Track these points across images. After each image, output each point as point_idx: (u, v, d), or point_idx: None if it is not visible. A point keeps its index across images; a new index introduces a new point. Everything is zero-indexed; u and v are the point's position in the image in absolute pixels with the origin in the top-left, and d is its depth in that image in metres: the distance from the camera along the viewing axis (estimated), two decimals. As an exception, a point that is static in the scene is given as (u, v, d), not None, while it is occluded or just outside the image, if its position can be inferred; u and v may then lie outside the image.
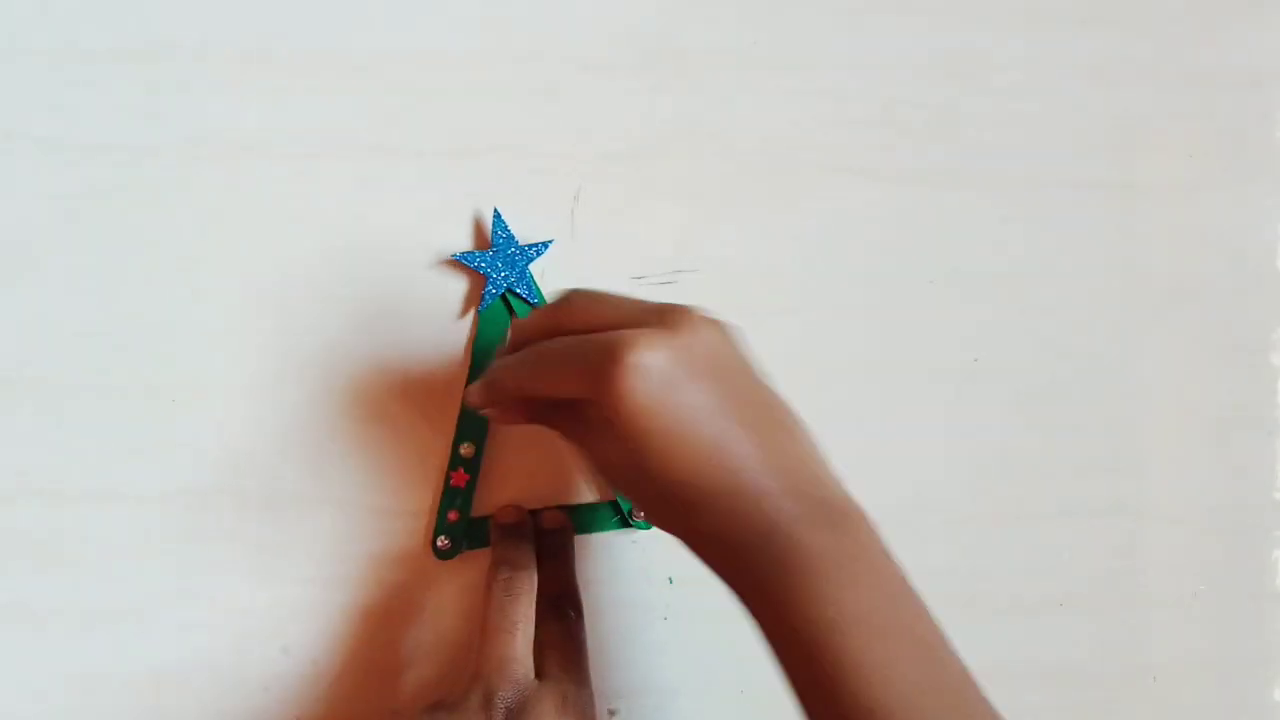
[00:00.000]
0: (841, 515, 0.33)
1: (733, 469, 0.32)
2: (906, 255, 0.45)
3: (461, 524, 0.43)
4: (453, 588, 0.43)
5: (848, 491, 0.34)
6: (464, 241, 0.44)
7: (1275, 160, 0.47)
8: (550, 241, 0.43)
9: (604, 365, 0.31)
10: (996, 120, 0.46)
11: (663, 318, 0.32)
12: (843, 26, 0.46)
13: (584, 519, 0.43)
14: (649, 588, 0.44)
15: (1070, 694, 0.45)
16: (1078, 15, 0.47)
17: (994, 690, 0.45)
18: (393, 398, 0.43)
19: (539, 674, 0.38)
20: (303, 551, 0.43)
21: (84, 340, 0.43)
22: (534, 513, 0.43)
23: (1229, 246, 0.47)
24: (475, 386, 0.37)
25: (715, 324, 0.33)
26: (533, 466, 0.43)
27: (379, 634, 0.43)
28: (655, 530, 0.44)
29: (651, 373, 0.31)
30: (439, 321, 0.43)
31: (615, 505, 0.43)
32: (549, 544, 0.42)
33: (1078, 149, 0.46)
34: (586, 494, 0.44)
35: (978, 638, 0.44)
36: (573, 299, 0.35)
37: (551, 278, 0.44)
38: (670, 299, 0.44)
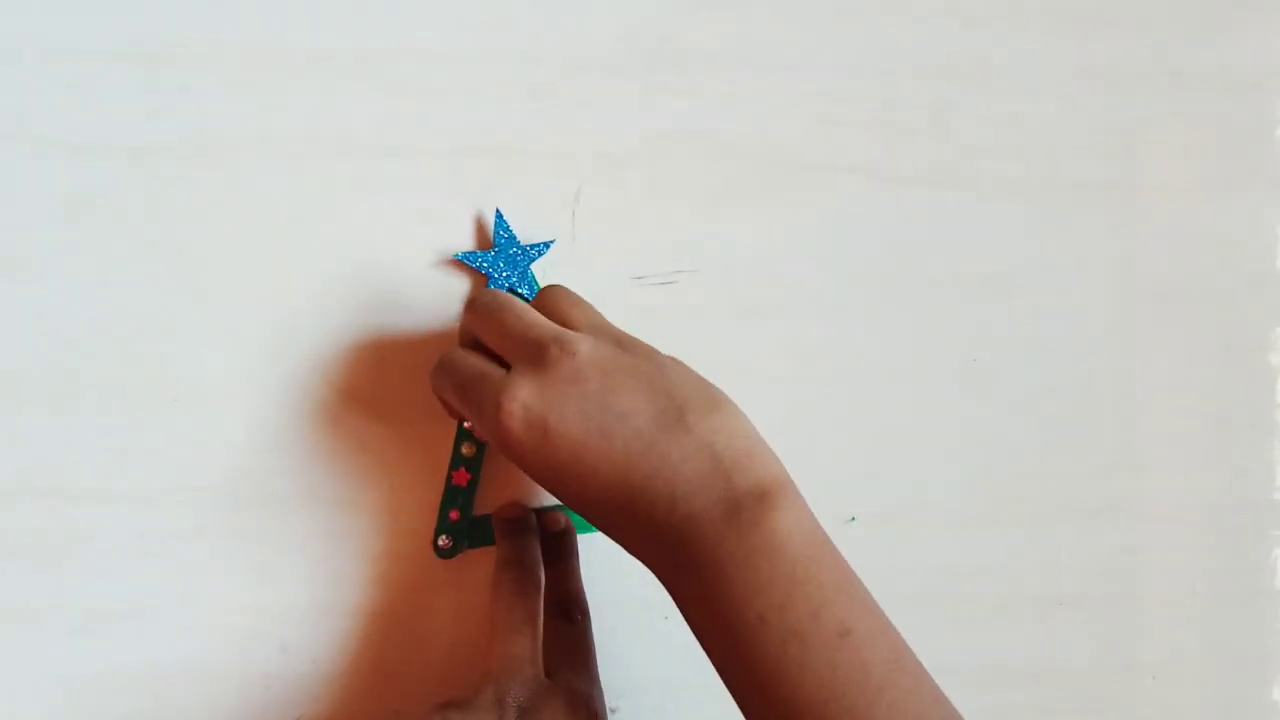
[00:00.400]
0: (757, 502, 0.33)
1: (633, 478, 0.33)
2: (906, 255, 0.45)
3: (463, 523, 0.43)
4: (455, 587, 0.43)
5: (766, 463, 0.34)
6: (465, 242, 0.44)
7: (1275, 160, 0.47)
8: (552, 242, 0.43)
9: (488, 418, 0.34)
10: (996, 120, 0.46)
11: (537, 355, 0.34)
12: (843, 26, 0.46)
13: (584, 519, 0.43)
14: (649, 587, 0.44)
15: (1069, 693, 0.45)
16: (1077, 15, 0.47)
17: (993, 689, 0.45)
18: (394, 397, 0.43)
19: (548, 674, 0.38)
20: (303, 551, 0.43)
21: (84, 340, 0.42)
22: (535, 513, 0.43)
23: (1229, 246, 0.47)
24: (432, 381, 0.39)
25: (594, 339, 0.35)
26: (533, 466, 0.43)
27: (380, 633, 0.43)
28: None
29: (530, 421, 0.34)
30: (441, 321, 0.43)
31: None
32: (554, 547, 0.42)
33: (1078, 149, 0.46)
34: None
35: (977, 637, 0.45)
36: (479, 307, 0.38)
37: (553, 278, 0.44)
38: (670, 299, 0.44)
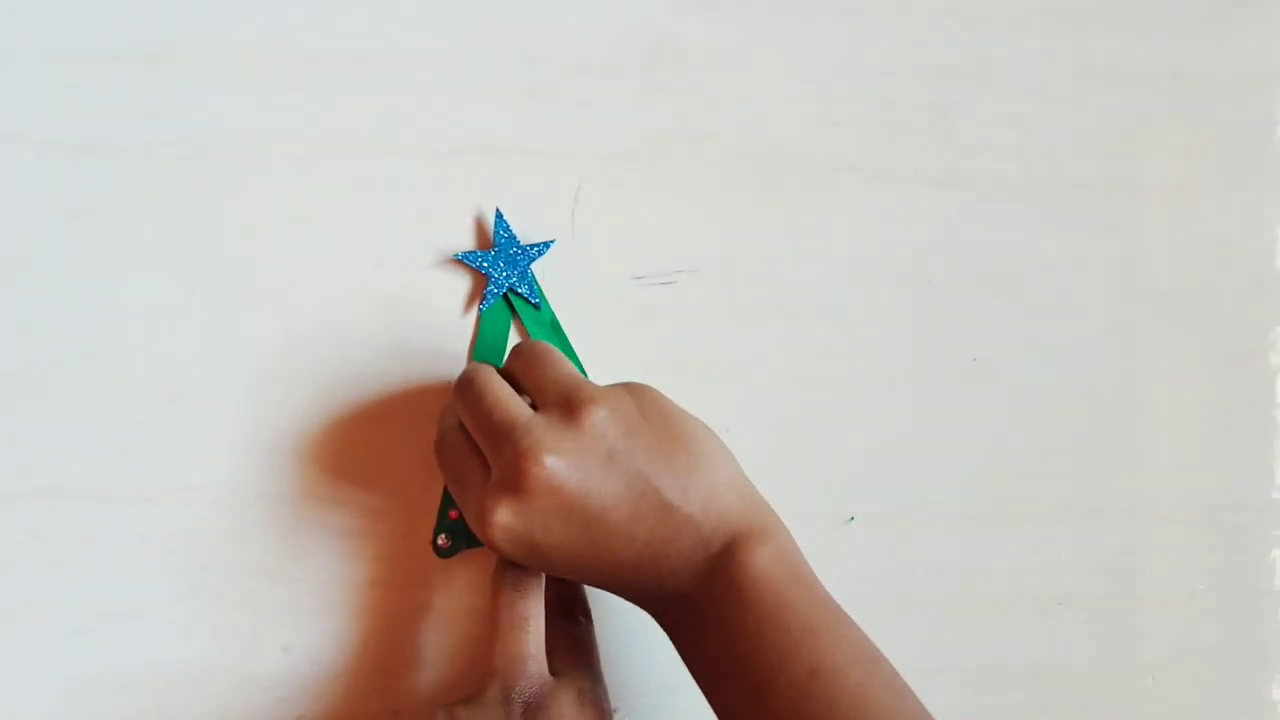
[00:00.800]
0: (726, 561, 0.34)
1: (616, 572, 0.35)
2: (906, 255, 0.45)
3: (462, 523, 0.43)
4: (454, 586, 0.43)
5: (743, 517, 0.35)
6: (465, 241, 0.44)
7: (1275, 160, 0.47)
8: (552, 241, 0.43)
9: (479, 530, 0.36)
10: (996, 120, 0.46)
11: (510, 466, 0.35)
12: (843, 26, 0.46)
13: None
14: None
15: (1069, 693, 0.45)
16: (1077, 15, 0.47)
17: (993, 689, 0.45)
18: (394, 396, 0.43)
19: (552, 674, 0.38)
20: (302, 551, 0.42)
21: (84, 340, 0.42)
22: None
23: (1229, 246, 0.47)
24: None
25: (562, 436, 0.35)
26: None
27: (380, 633, 0.43)
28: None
29: (514, 536, 0.35)
30: (441, 321, 0.43)
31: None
32: None
33: (1078, 149, 0.46)
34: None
35: (977, 637, 0.45)
36: (459, 386, 0.38)
37: (553, 277, 0.44)
38: (670, 299, 0.44)
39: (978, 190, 0.46)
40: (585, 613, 0.41)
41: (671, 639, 0.36)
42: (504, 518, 0.35)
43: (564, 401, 0.36)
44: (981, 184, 0.46)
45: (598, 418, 0.35)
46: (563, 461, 0.34)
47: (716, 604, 0.34)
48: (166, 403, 0.43)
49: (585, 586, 0.42)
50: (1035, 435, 0.45)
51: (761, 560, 0.34)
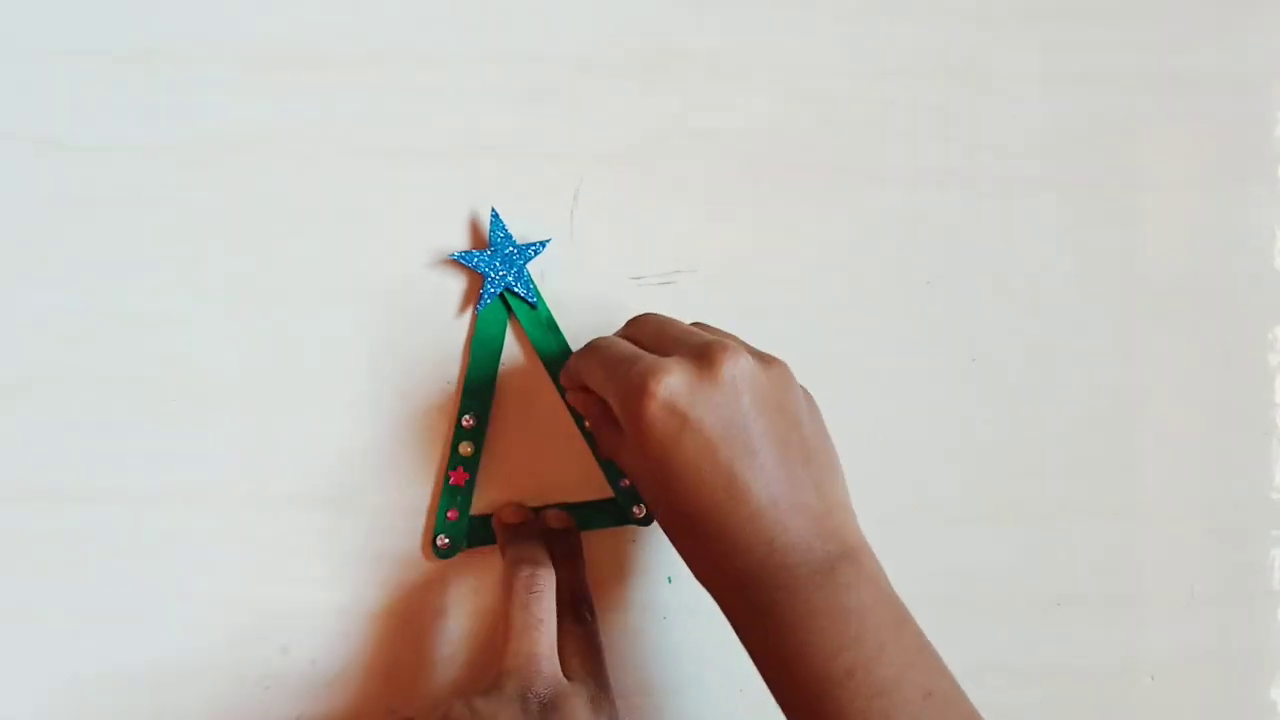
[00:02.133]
0: (849, 564, 0.34)
1: (741, 510, 0.34)
2: (906, 255, 0.45)
3: (461, 523, 0.43)
4: (453, 586, 0.43)
5: (859, 536, 0.35)
6: (462, 241, 0.44)
7: (1274, 160, 0.47)
8: (548, 241, 0.43)
9: (633, 390, 0.34)
10: (996, 120, 0.46)
11: (702, 351, 0.34)
12: (842, 27, 0.46)
13: (583, 517, 0.43)
14: (649, 587, 0.44)
15: (1069, 693, 0.45)
16: (1077, 15, 0.47)
17: (993, 690, 0.45)
18: (391, 396, 0.43)
19: (564, 674, 0.38)
20: (302, 551, 0.43)
21: (84, 340, 0.43)
22: (535, 510, 0.43)
23: (1229, 246, 0.47)
24: (565, 366, 0.41)
25: (757, 362, 0.35)
26: (531, 465, 0.44)
27: (379, 633, 0.43)
28: (655, 528, 0.44)
29: (675, 406, 0.33)
30: (437, 320, 0.43)
31: (614, 503, 0.44)
32: (560, 545, 0.42)
33: (1078, 149, 0.46)
34: (584, 492, 0.44)
35: (977, 637, 0.45)
36: (646, 320, 0.39)
37: (551, 277, 0.44)
38: (669, 299, 0.44)
39: (978, 190, 0.46)
40: (591, 610, 0.41)
41: (740, 617, 0.35)
42: (678, 381, 0.33)
43: (754, 351, 0.36)
44: (981, 184, 0.46)
45: (787, 374, 0.36)
46: (752, 379, 0.34)
47: (831, 602, 0.33)
48: (166, 403, 0.43)
49: (588, 585, 0.42)
50: (1035, 435, 0.45)
51: (881, 579, 0.34)
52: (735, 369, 0.34)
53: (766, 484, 0.34)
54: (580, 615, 0.40)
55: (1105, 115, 0.46)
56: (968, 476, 0.45)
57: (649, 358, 0.35)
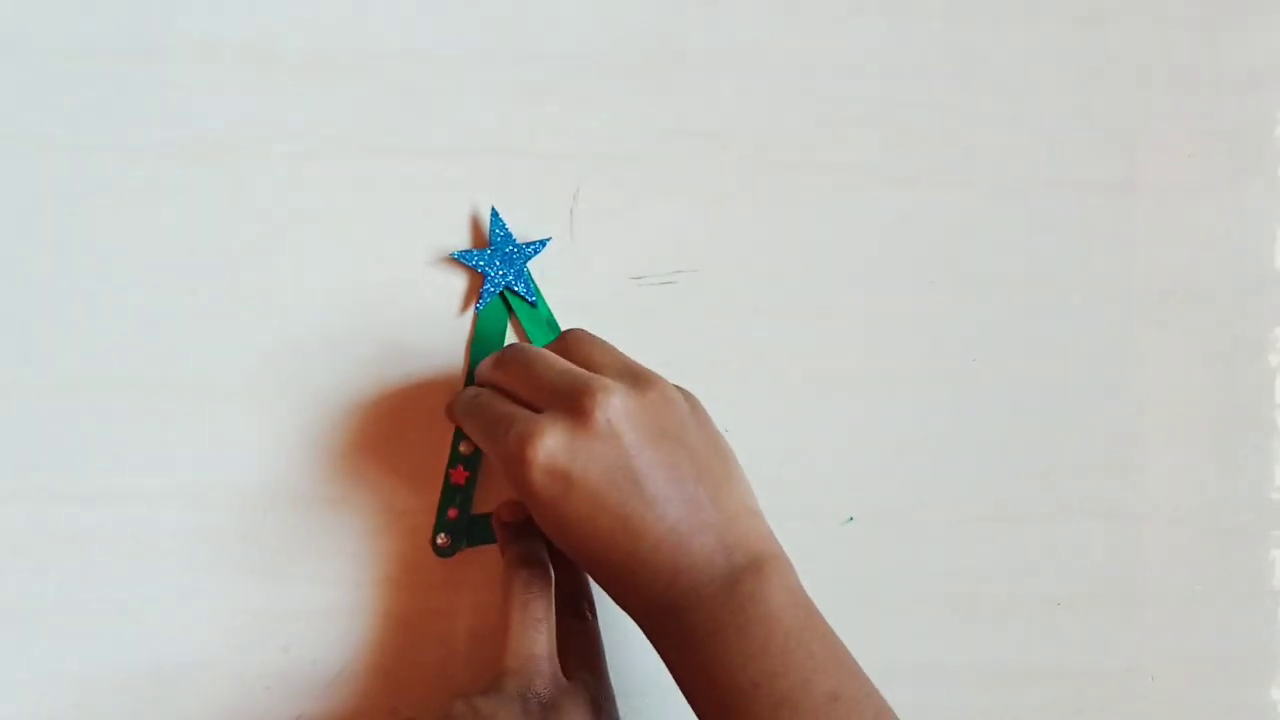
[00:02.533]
0: (753, 575, 0.34)
1: (642, 545, 0.34)
2: (906, 255, 0.45)
3: (461, 521, 0.43)
4: (453, 585, 0.43)
5: (767, 541, 0.35)
6: (462, 240, 0.44)
7: (1275, 160, 0.47)
8: (547, 240, 0.43)
9: (512, 458, 0.34)
10: (996, 120, 0.46)
11: (573, 403, 0.34)
12: (843, 26, 0.46)
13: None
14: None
15: (1069, 694, 0.45)
16: (1077, 15, 0.47)
17: (993, 690, 0.45)
18: (392, 395, 0.43)
19: (564, 673, 0.38)
20: (303, 550, 0.43)
21: (84, 340, 0.43)
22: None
23: (1229, 246, 0.47)
24: (448, 404, 0.41)
25: (630, 392, 0.35)
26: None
27: (379, 633, 0.43)
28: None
29: (555, 468, 0.34)
30: (438, 319, 0.43)
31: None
32: None
33: (1078, 149, 0.46)
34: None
35: (977, 638, 0.45)
36: (508, 360, 0.38)
37: (552, 277, 0.44)
38: (670, 299, 0.44)
39: (978, 190, 0.46)
40: (591, 607, 0.41)
41: (658, 641, 0.35)
42: (553, 443, 0.34)
43: (629, 373, 0.36)
44: (981, 184, 0.46)
45: (663, 394, 0.35)
46: (628, 415, 0.34)
47: (737, 616, 0.33)
48: (166, 402, 0.43)
49: (588, 583, 0.42)
50: (1035, 435, 0.45)
51: (788, 584, 0.34)
52: (608, 411, 0.34)
53: (662, 515, 0.34)
54: (580, 614, 0.40)
55: (1106, 115, 0.46)
56: (968, 476, 0.45)
57: (521, 419, 0.35)
